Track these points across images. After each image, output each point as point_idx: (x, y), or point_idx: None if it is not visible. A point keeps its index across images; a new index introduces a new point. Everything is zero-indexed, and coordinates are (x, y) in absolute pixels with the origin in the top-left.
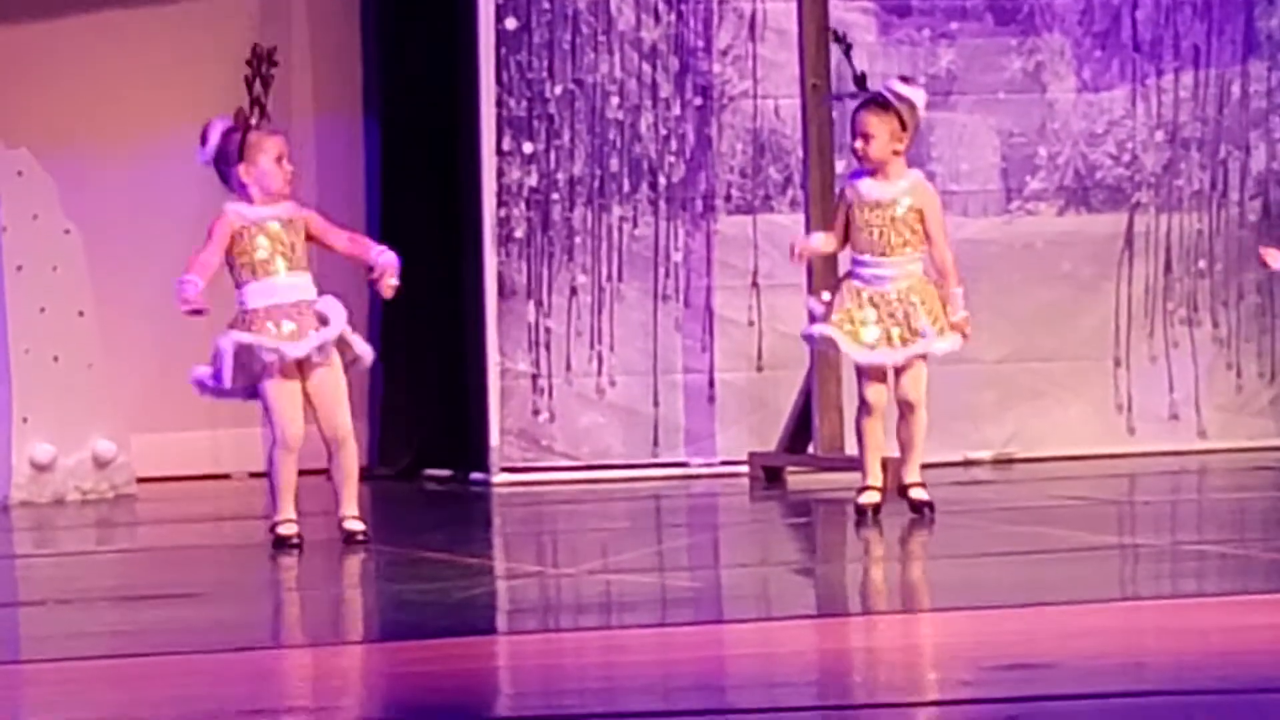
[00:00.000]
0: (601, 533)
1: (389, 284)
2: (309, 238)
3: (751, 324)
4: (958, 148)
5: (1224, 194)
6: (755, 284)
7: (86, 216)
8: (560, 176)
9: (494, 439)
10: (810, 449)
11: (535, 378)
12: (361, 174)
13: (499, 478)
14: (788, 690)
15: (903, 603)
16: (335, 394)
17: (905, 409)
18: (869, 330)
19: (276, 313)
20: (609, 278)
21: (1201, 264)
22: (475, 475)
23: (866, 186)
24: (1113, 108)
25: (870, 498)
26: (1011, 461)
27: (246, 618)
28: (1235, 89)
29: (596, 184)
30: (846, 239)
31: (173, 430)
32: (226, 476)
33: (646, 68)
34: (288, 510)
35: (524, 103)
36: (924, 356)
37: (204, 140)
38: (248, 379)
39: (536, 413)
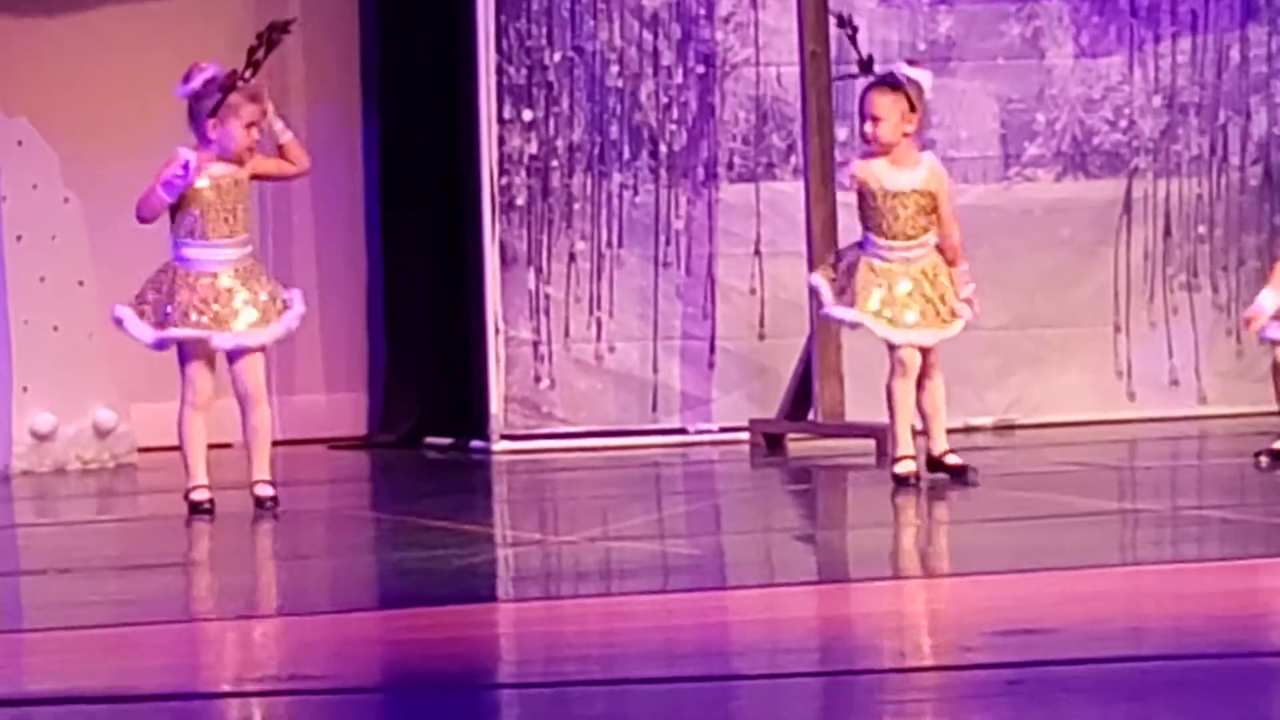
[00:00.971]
0: (602, 500)
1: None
2: (264, 177)
3: (753, 291)
4: (956, 114)
5: (1224, 159)
6: (758, 252)
7: (86, 186)
8: (560, 144)
9: (494, 407)
10: (811, 416)
11: (536, 344)
12: (360, 144)
13: (499, 445)
14: (789, 656)
15: (904, 568)
16: (254, 360)
17: (923, 378)
18: (910, 313)
19: (204, 286)
20: (609, 244)
21: (1201, 229)
22: (476, 443)
23: (882, 171)
24: (1110, 73)
25: (907, 466)
26: (1012, 428)
27: (247, 586)
28: (1234, 54)
29: (596, 151)
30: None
31: (173, 399)
32: (227, 445)
33: (647, 35)
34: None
35: (524, 70)
36: None
37: (187, 79)
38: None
39: (537, 379)
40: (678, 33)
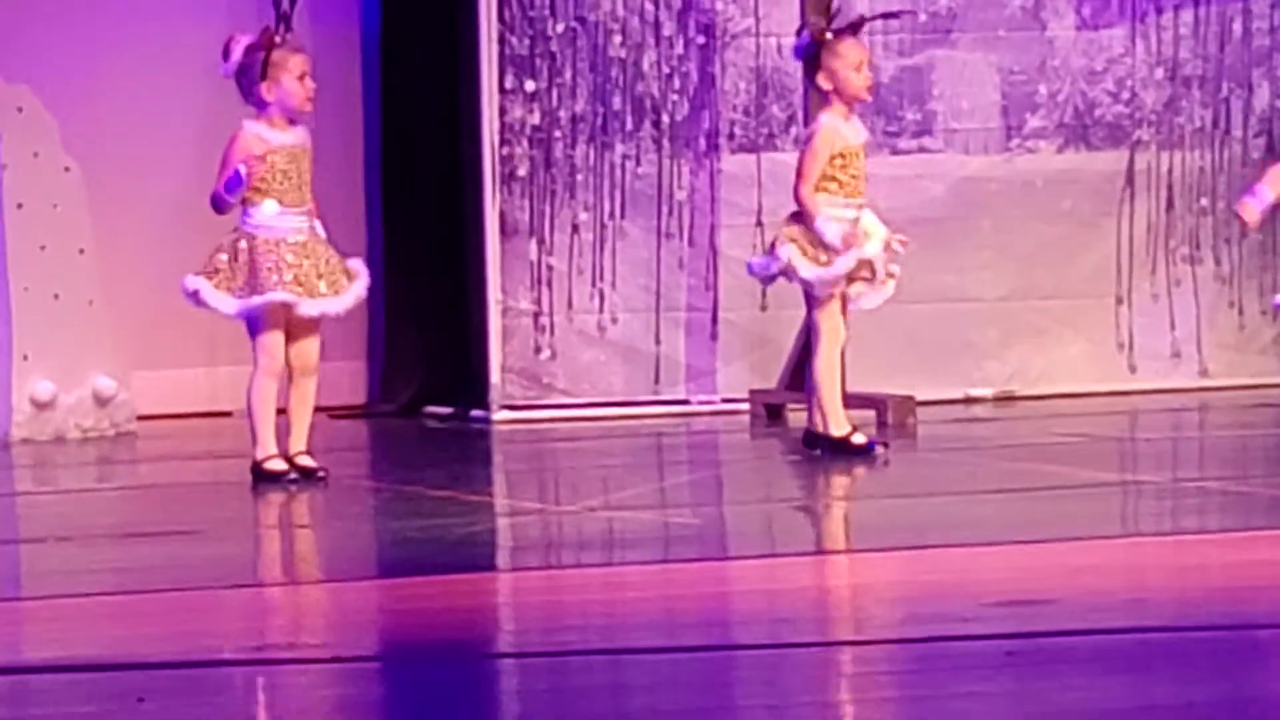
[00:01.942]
0: (602, 470)
1: None
2: None
3: None
4: (958, 85)
5: (1226, 132)
6: (759, 222)
7: (87, 154)
8: (563, 114)
9: (494, 377)
10: None
11: (537, 316)
12: (360, 113)
13: (499, 415)
14: (789, 626)
15: (903, 539)
16: (318, 330)
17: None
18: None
19: (280, 254)
20: (611, 215)
21: (1204, 201)
22: (476, 412)
23: (848, 130)
24: (1112, 45)
25: (859, 437)
26: (1013, 399)
27: (247, 554)
28: (1237, 26)
29: (599, 122)
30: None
31: (174, 367)
32: (228, 414)
33: (649, 5)
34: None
35: (526, 41)
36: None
37: (226, 55)
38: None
39: (538, 351)
40: (678, 2)
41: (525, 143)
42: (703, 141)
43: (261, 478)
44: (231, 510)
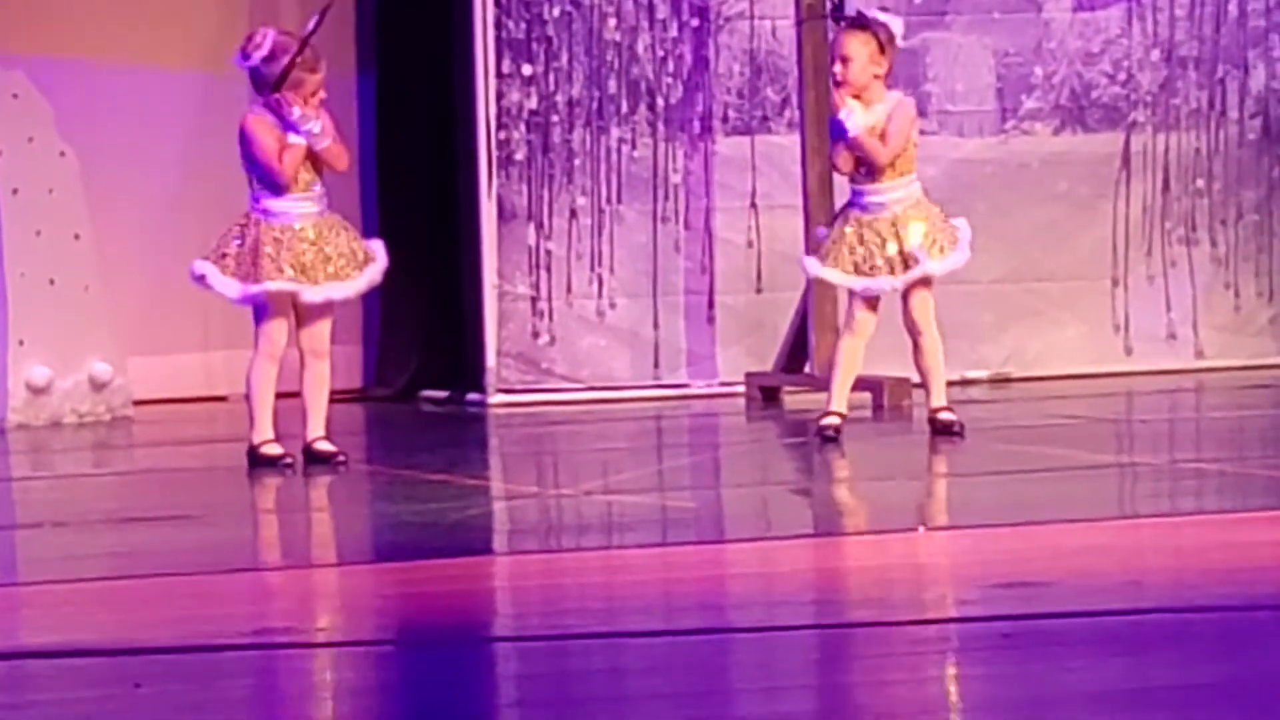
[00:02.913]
0: (599, 453)
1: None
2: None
3: (750, 245)
4: (953, 67)
5: (1222, 113)
6: (754, 205)
7: (82, 139)
8: (559, 98)
9: (490, 361)
10: (806, 369)
11: (535, 300)
12: (356, 97)
13: (495, 399)
14: (787, 609)
15: (900, 521)
16: (329, 314)
17: (915, 335)
18: (877, 259)
19: (289, 239)
20: (608, 200)
21: (1200, 183)
22: (472, 396)
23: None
24: (1108, 26)
25: (831, 420)
26: (1009, 381)
27: (243, 539)
28: (1232, 8)
29: (595, 106)
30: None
31: (169, 352)
32: (224, 399)
33: None
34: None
35: (522, 24)
36: (927, 282)
37: (245, 56)
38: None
39: (536, 335)
40: None
41: (523, 127)
42: (697, 124)
43: (257, 462)
44: (228, 495)
